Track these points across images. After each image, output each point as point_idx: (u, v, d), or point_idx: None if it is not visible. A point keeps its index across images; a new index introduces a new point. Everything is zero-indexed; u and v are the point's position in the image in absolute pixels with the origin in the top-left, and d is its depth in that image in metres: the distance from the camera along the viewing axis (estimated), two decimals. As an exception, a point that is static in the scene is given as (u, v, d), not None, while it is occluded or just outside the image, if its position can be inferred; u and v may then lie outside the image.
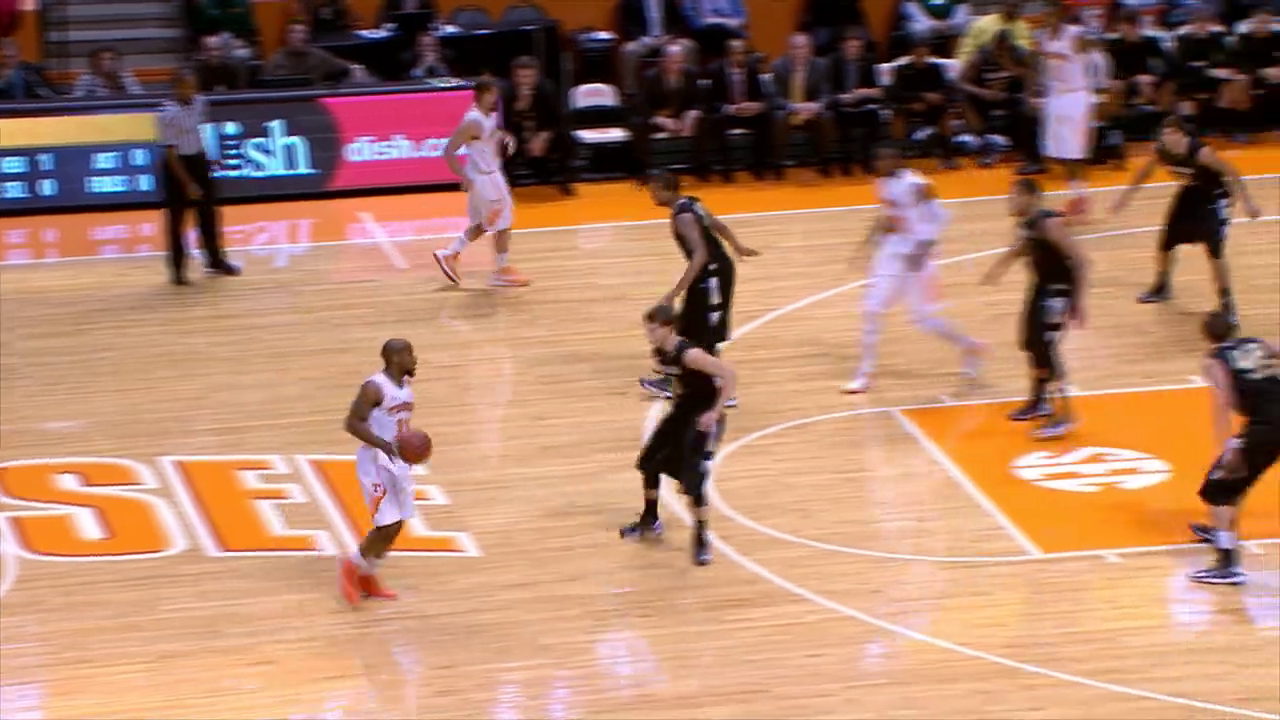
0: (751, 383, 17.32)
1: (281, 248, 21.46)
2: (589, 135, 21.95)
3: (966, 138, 22.15)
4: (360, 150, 21.74)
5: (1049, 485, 15.71)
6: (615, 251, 20.18)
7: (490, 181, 19.08)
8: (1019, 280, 16.63)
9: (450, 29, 22.85)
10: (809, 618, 14.12)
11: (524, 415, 17.14)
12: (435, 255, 19.29)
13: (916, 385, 17.29)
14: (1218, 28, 22.19)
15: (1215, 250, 17.82)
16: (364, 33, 22.92)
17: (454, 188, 21.66)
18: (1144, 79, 22.07)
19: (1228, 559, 14.06)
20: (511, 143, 19.36)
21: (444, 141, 21.80)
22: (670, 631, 14.15)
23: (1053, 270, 16.04)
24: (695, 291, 16.46)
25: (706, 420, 14.24)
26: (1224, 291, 17.86)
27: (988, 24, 22.10)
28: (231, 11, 22.97)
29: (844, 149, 21.87)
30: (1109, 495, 15.55)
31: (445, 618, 14.24)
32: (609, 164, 21.69)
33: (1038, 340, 16.16)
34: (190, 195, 19.48)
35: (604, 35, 22.94)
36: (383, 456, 13.89)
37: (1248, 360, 14.00)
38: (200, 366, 18.18)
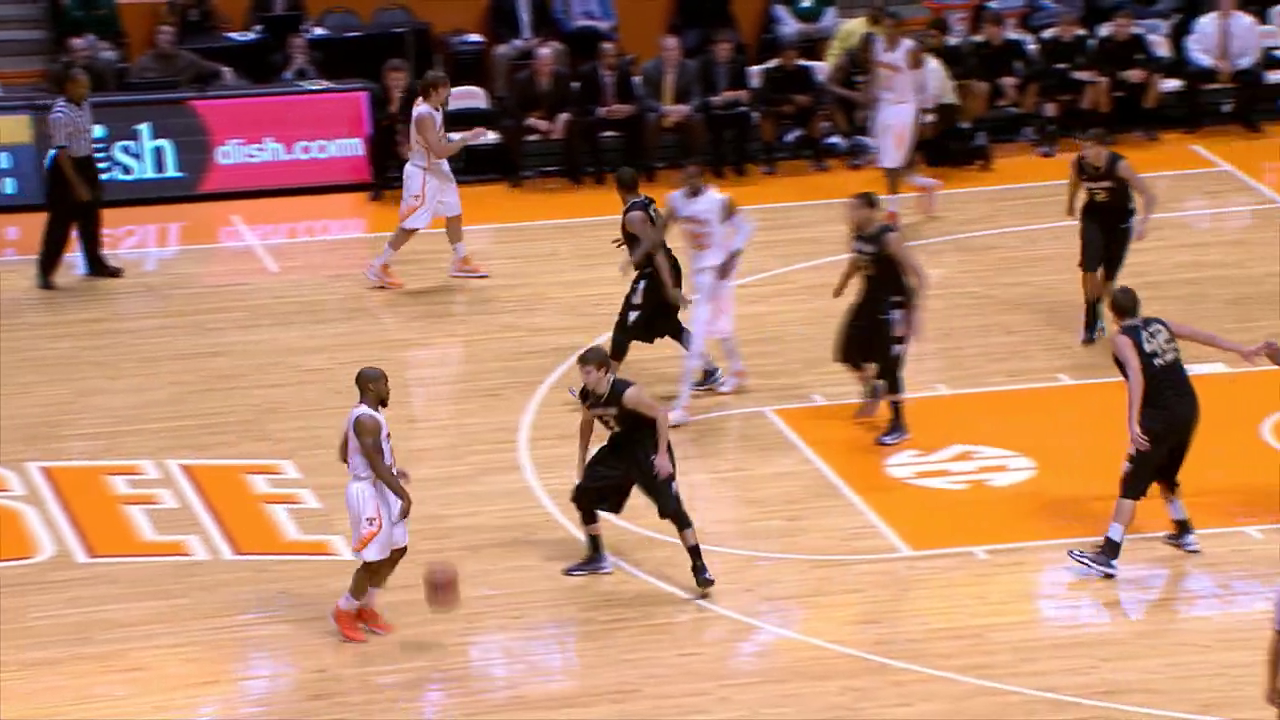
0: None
1: (151, 251, 21.24)
2: (460, 137, 21.93)
3: (835, 139, 22.28)
4: (230, 153, 21.58)
5: (919, 483, 15.82)
6: (487, 254, 20.14)
7: (420, 176, 18.90)
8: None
9: (320, 31, 22.71)
10: (682, 617, 14.16)
11: (396, 418, 17.04)
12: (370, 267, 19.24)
13: (788, 385, 17.37)
14: (1080, 31, 22.45)
15: (1112, 273, 17.33)
16: (232, 35, 22.74)
17: (323, 190, 21.60)
18: (1008, 81, 22.29)
19: (1111, 550, 14.17)
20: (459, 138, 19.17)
21: (315, 144, 21.72)
22: (544, 633, 14.14)
23: (890, 283, 16.07)
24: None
25: (662, 466, 14.01)
26: (1094, 304, 17.53)
27: (855, 27, 22.24)
28: (97, 13, 22.73)
29: (715, 151, 21.94)
30: (977, 492, 15.69)
31: (319, 621, 14.15)
32: (481, 166, 21.65)
33: (884, 354, 16.11)
34: (80, 198, 19.28)
35: (475, 38, 22.88)
36: (389, 495, 13.66)
37: (1153, 344, 14.12)
38: (70, 371, 17.98)
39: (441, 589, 13.54)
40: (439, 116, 18.86)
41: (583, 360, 14.20)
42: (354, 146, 21.67)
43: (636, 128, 21.83)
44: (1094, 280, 17.37)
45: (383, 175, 21.50)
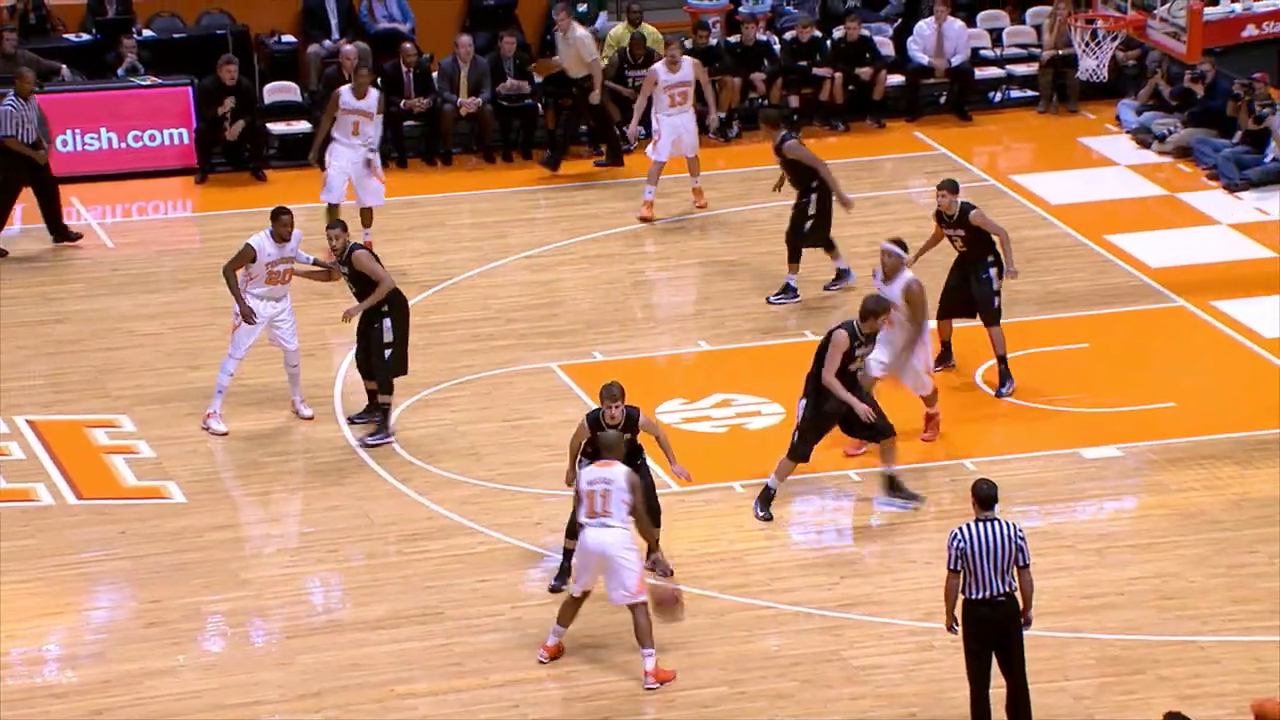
0: (428, 344, 17.22)
1: (-2, 230, 20.68)
2: (277, 127, 21.58)
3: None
4: (68, 141, 21.09)
5: (685, 427, 15.89)
6: (306, 230, 19.81)
7: (334, 151, 18.30)
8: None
9: (149, 33, 22.25)
10: (479, 548, 14.12)
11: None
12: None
13: (572, 344, 17.35)
14: (817, 33, 22.63)
15: (990, 319, 16.08)
16: (69, 36, 22.22)
17: (154, 175, 21.17)
18: (758, 76, 22.40)
19: (768, 494, 14.23)
20: (367, 125, 18.36)
21: (145, 133, 21.27)
22: (357, 564, 14.04)
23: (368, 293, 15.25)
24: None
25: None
26: (1001, 359, 16.12)
27: (622, 31, 22.21)
28: (-52, 18, 22.05)
29: (504, 138, 21.83)
30: (736, 434, 15.80)
31: (154, 558, 13.94)
32: (295, 153, 21.34)
33: (378, 360, 15.33)
34: (40, 162, 19.06)
35: (289, 38, 22.55)
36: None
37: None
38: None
39: (665, 604, 12.51)
40: (346, 98, 18.31)
41: (608, 396, 13.09)
42: (181, 136, 21.28)
43: (434, 118, 21.64)
44: (943, 326, 16.36)
45: (207, 161, 21.13)
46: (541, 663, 12.68)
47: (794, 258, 17.96)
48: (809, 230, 17.84)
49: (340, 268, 15.43)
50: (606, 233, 19.79)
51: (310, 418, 15.94)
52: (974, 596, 11.46)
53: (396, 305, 15.47)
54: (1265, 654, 12.79)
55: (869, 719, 12.16)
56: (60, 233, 19.55)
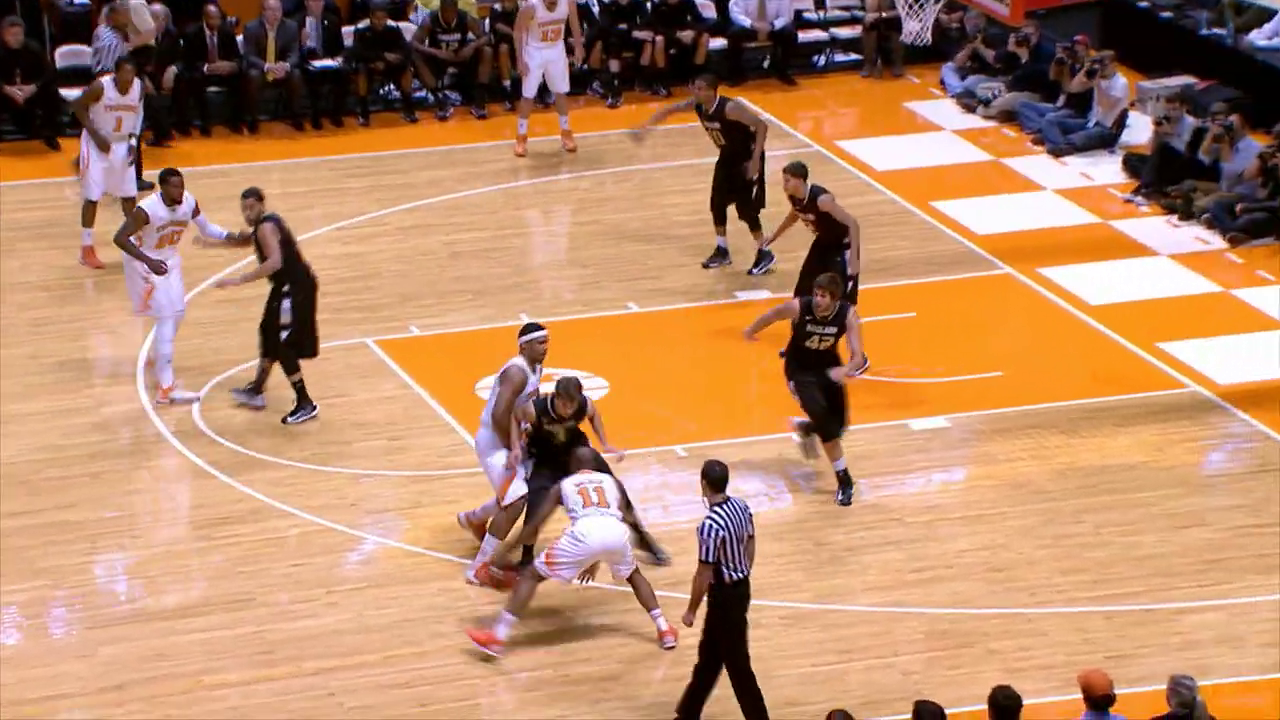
0: (236, 319, 16.95)
1: None
2: (71, 93, 21.10)
3: (423, 94, 22.07)
4: None
5: (505, 403, 15.78)
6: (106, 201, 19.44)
7: (96, 147, 17.64)
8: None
9: (-74, -9, 21.63)
10: (293, 531, 13.95)
11: (18, 355, 16.43)
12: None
13: (387, 318, 17.18)
14: (635, -5, 22.65)
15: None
16: None
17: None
18: (575, 40, 22.28)
19: (845, 478, 14.35)
20: (131, 118, 17.78)
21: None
22: (163, 550, 13.81)
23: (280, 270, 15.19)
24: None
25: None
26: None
27: (433, -7, 22.07)
28: None
29: (313, 105, 21.54)
30: (558, 410, 15.72)
31: (-61, 546, 13.60)
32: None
33: (273, 340, 15.23)
34: None
35: (83, -1, 22.07)
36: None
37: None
38: None
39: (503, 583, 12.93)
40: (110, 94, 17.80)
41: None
42: (-33, 102, 20.73)
43: (240, 84, 21.29)
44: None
45: None
46: (496, 657, 12.56)
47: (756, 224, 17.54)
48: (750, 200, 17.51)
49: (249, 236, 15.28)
50: (421, 203, 19.64)
51: (196, 399, 15.56)
52: (732, 579, 11.62)
53: (299, 285, 15.22)
54: (1091, 625, 13.02)
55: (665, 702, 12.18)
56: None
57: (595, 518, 12.59)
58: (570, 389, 13.22)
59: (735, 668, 11.77)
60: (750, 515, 11.80)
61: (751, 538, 11.79)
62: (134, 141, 18.07)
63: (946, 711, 10.40)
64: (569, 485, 12.77)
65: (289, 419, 15.34)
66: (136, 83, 17.95)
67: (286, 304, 15.19)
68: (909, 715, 10.50)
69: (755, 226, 17.78)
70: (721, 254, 18.02)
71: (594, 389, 15.98)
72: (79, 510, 14.17)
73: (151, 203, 15.61)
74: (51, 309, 17.28)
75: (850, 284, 16.06)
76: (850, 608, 13.20)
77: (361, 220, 19.16)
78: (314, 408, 15.40)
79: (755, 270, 17.79)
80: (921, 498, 14.63)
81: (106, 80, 17.87)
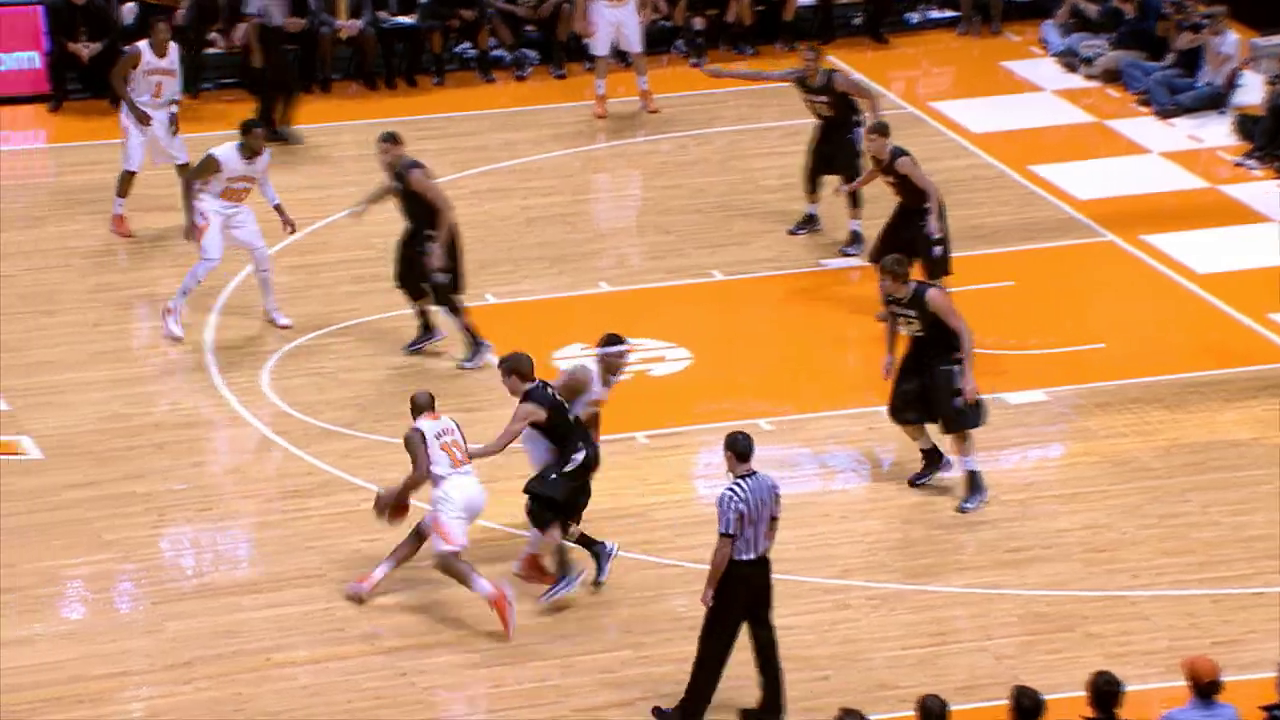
0: (307, 286, 17.09)
1: None
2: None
3: (500, 52, 22.12)
4: None
5: (584, 374, 15.83)
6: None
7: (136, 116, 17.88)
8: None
9: (-3, -53, 21.87)
10: (364, 505, 14.02)
11: (80, 322, 16.62)
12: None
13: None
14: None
15: (931, 270, 15.97)
16: None
17: (5, 102, 20.83)
18: (663, -3, 22.31)
19: (974, 481, 14.07)
20: (171, 83, 17.88)
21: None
22: (231, 523, 13.95)
23: (424, 216, 15.58)
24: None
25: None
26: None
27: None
28: None
29: (387, 64, 21.64)
30: (639, 382, 15.77)
31: (7, 518, 13.80)
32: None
33: (427, 282, 15.62)
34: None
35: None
36: None
37: None
38: None
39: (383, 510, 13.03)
40: (148, 57, 17.94)
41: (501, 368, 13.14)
42: (31, 59, 20.94)
43: (312, 41, 21.40)
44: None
45: (62, 88, 20.81)
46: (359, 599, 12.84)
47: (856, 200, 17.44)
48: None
49: (394, 184, 15.62)
50: (497, 166, 19.70)
51: (287, 326, 16.17)
52: (744, 558, 11.54)
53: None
54: (1198, 609, 12.96)
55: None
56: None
57: (460, 478, 12.75)
58: (501, 361, 13.20)
59: (707, 649, 11.58)
60: (778, 495, 11.66)
61: (775, 519, 11.65)
62: (174, 109, 18.11)
63: (1044, 698, 10.36)
64: (430, 437, 12.79)
65: (464, 364, 15.61)
66: (173, 45, 18.03)
67: (434, 246, 15.50)
68: (1004, 702, 10.48)
69: (856, 204, 17.66)
70: (810, 220, 17.98)
71: (676, 360, 16.03)
72: (145, 482, 14.33)
73: (227, 152, 15.88)
74: (114, 274, 17.46)
75: (938, 250, 15.99)
76: (942, 589, 13.19)
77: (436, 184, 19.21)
78: (488, 346, 15.71)
79: (850, 250, 17.60)
80: (1018, 474, 14.59)
81: (143, 44, 17.93)
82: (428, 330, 16.07)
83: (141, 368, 15.95)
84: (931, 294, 13.95)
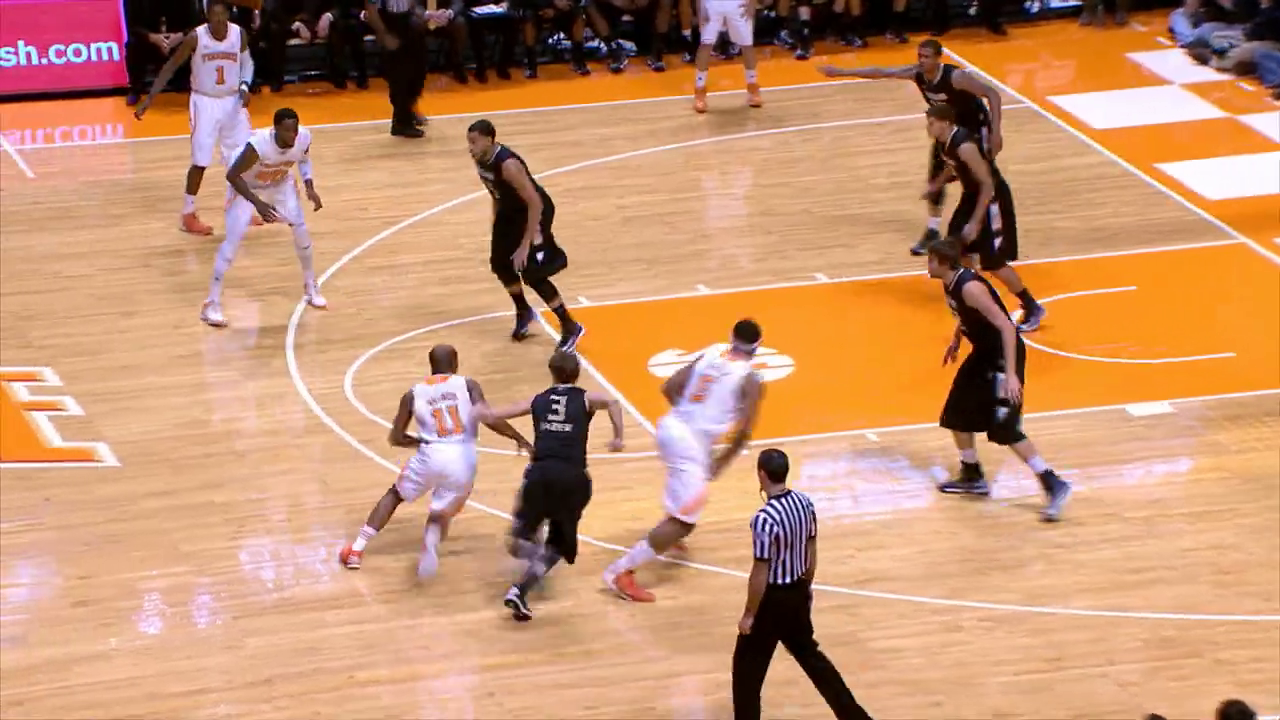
0: (392, 288, 17.23)
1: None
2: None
3: (596, 43, 22.22)
4: (-18, 58, 21.05)
5: (682, 381, 15.87)
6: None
7: (199, 106, 17.98)
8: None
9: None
10: (455, 520, 14.10)
11: (160, 324, 16.81)
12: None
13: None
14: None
15: (987, 263, 16.12)
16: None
17: (78, 95, 21.09)
18: (767, -14, 22.33)
19: (1052, 483, 14.01)
20: (233, 68, 18.07)
21: (70, 47, 21.18)
22: (315, 535, 14.06)
23: (518, 206, 15.89)
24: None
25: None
26: (1021, 294, 16.31)
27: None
28: None
29: (477, 55, 21.78)
30: (739, 390, 15.78)
31: (83, 528, 13.96)
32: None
33: (525, 268, 16.00)
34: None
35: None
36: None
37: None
38: None
39: None
40: (205, 41, 18.16)
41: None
42: (110, 50, 21.20)
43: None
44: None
45: (140, 80, 21.05)
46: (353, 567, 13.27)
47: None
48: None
49: (484, 174, 15.99)
50: (592, 162, 19.78)
51: (323, 307, 16.64)
52: (781, 581, 11.52)
53: (549, 211, 16.10)
54: (1334, 635, 12.86)
55: (889, 709, 12.20)
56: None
57: (444, 444, 13.24)
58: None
59: (739, 671, 11.56)
60: (813, 513, 11.63)
61: (812, 539, 11.61)
62: (245, 88, 18.21)
63: (1169, 727, 10.32)
64: (422, 401, 13.33)
65: (562, 349, 15.80)
66: (234, 27, 18.13)
67: (523, 245, 15.88)
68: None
69: (938, 201, 17.53)
70: (932, 237, 17.85)
71: (778, 367, 16.05)
72: (224, 491, 14.47)
73: (263, 141, 16.27)
74: (196, 274, 17.64)
75: (998, 241, 16.13)
76: (1061, 610, 13.15)
77: (527, 181, 19.33)
78: (580, 329, 16.09)
79: (921, 249, 17.48)
80: (1141, 490, 14.52)
81: (200, 29, 18.05)
82: (523, 313, 16.29)
83: (222, 372, 16.12)
84: (970, 286, 13.88)
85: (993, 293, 14.02)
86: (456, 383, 13.44)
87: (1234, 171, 19.40)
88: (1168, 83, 21.38)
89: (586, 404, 13.20)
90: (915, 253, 17.66)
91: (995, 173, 16.48)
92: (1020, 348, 13.94)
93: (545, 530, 13.26)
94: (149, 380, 15.90)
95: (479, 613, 13.16)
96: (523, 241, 15.94)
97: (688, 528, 13.28)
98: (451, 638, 12.95)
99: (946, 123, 16.23)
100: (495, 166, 15.89)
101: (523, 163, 15.98)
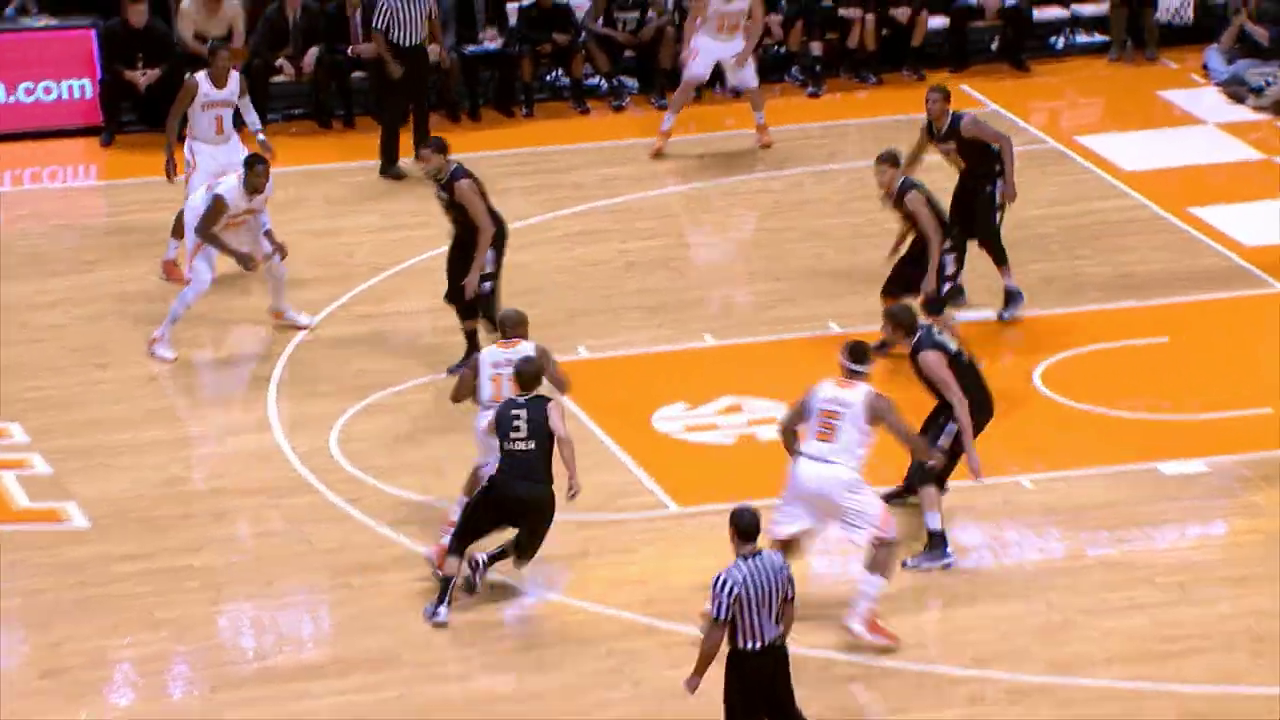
0: (380, 338, 17.22)
1: None
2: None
3: (596, 80, 22.29)
4: (-50, 95, 21.12)
5: (687, 438, 15.90)
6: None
7: (198, 152, 17.94)
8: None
9: (44, -34, 22.29)
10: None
11: (134, 377, 16.82)
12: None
13: (551, 338, 17.31)
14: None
15: (929, 307, 16.47)
16: (-57, -30, 22.26)
17: (48, 135, 21.16)
18: (774, 19, 22.39)
19: (938, 541, 14.20)
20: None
21: (40, 85, 21.25)
22: (295, 600, 14.04)
23: (473, 229, 16.11)
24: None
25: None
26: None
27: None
28: None
29: (471, 92, 21.84)
30: (747, 446, 15.80)
31: (51, 594, 13.94)
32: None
33: (478, 296, 16.22)
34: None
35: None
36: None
37: (951, 342, 14.21)
38: None
39: None
40: (205, 88, 18.19)
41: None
42: (83, 88, 21.27)
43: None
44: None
45: (115, 119, 21.11)
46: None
47: (1002, 257, 17.37)
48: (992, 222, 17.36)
49: (440, 194, 16.21)
50: (592, 205, 19.82)
51: (308, 326, 17.05)
52: (747, 647, 11.46)
53: (501, 235, 16.40)
54: (1380, 708, 12.81)
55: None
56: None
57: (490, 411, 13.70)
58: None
59: None
60: (789, 576, 11.53)
61: (788, 601, 11.53)
62: (263, 139, 18.17)
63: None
64: (487, 365, 13.93)
65: (452, 370, 16.05)
66: (234, 75, 18.16)
67: (490, 254, 16.18)
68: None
69: (1002, 260, 17.40)
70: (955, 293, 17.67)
71: (790, 422, 16.01)
72: (202, 554, 14.46)
73: (230, 190, 16.53)
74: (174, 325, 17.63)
75: (946, 286, 16.56)
76: (1089, 681, 13.11)
77: (524, 225, 19.36)
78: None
79: (1005, 314, 17.45)
80: (1174, 554, 14.49)
81: (200, 75, 18.05)
82: (472, 351, 16.19)
83: (201, 427, 16.11)
84: (925, 356, 14.07)
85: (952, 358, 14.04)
86: (526, 347, 13.86)
87: (1272, 216, 19.42)
88: (1201, 122, 21.43)
89: (548, 421, 13.46)
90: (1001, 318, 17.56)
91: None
92: (980, 413, 14.15)
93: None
94: (123, 436, 15.90)
95: (472, 682, 13.11)
96: (471, 268, 16.05)
97: (896, 543, 13.33)
98: (443, 709, 12.90)
99: (895, 170, 16.33)
100: (449, 186, 16.01)
101: (478, 183, 16.16)
